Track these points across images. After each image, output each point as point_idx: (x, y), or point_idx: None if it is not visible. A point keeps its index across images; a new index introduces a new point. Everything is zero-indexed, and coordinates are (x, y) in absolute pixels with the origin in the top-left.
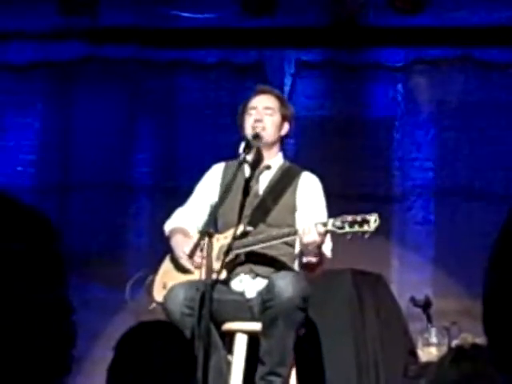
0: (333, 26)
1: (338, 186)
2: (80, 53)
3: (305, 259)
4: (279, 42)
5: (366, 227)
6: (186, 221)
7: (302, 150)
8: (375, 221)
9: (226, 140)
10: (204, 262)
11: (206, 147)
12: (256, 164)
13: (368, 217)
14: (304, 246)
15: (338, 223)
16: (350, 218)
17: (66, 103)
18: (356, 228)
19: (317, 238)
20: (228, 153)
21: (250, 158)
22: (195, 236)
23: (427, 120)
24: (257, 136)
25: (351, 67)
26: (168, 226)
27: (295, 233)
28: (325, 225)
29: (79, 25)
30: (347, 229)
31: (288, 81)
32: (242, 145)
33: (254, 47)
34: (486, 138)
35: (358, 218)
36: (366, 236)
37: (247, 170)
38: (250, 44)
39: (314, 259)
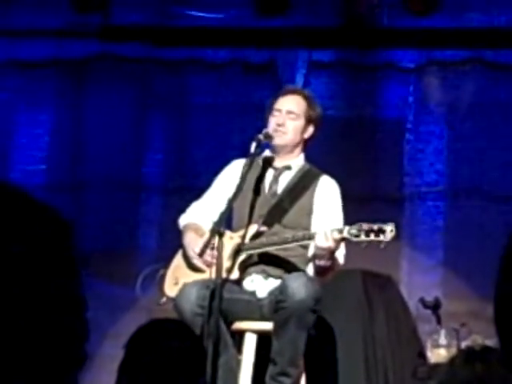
0: (345, 26)
1: (348, 186)
2: (92, 51)
3: (317, 262)
4: (292, 41)
5: (381, 237)
6: (201, 215)
7: (312, 150)
8: (391, 231)
9: (237, 139)
10: (215, 260)
11: (217, 146)
12: (270, 162)
13: (384, 226)
14: (318, 250)
15: (354, 231)
16: (366, 226)
17: (77, 101)
18: (372, 237)
19: (332, 244)
20: (240, 152)
21: (265, 155)
22: (208, 233)
23: (439, 121)
24: (267, 136)
25: (363, 68)
26: (182, 221)
27: (310, 237)
28: (341, 232)
29: (91, 23)
30: (363, 237)
31: (300, 80)
32: (254, 144)
33: (267, 47)
34: (497, 140)
35: (375, 227)
36: (382, 246)
37: (266, 169)
38: (263, 43)
39: (326, 264)
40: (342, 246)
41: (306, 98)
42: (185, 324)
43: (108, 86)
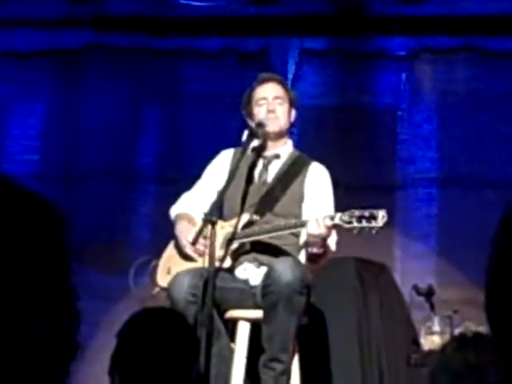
0: (338, 14)
1: (340, 175)
2: (86, 41)
3: (309, 250)
4: (284, 30)
5: (373, 223)
6: (192, 206)
7: (304, 139)
8: (383, 217)
9: (231, 128)
10: (207, 249)
11: (211, 136)
12: (260, 151)
13: (376, 212)
14: (310, 237)
15: (346, 218)
16: (357, 212)
17: (71, 91)
18: (364, 223)
19: (323, 231)
20: (234, 141)
21: (254, 145)
22: (200, 222)
23: (431, 109)
24: (260, 124)
25: (356, 56)
26: (174, 211)
27: (302, 224)
28: (332, 218)
29: (85, 13)
30: (355, 224)
31: (292, 69)
32: (246, 133)
33: (259, 35)
34: (490, 128)
35: (366, 214)
36: (374, 232)
37: (256, 159)
38: (256, 32)
39: (318, 251)
40: (334, 232)
41: (282, 82)
42: (176, 312)
43: (102, 76)
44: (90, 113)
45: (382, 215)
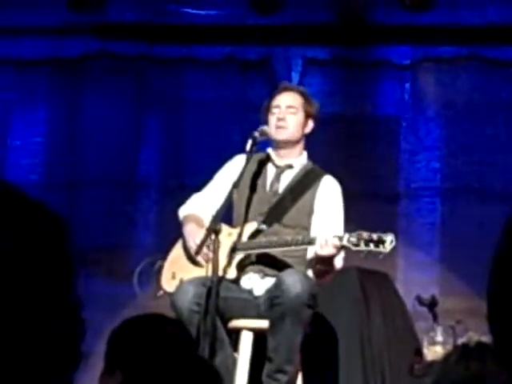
0: (341, 23)
1: (343, 184)
2: (88, 49)
3: (316, 267)
4: (287, 39)
5: (381, 248)
6: (201, 207)
7: (307, 148)
8: (391, 242)
9: (233, 136)
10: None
11: (213, 144)
12: (269, 159)
13: (384, 237)
14: (317, 255)
15: (354, 240)
16: (366, 235)
17: (73, 99)
18: (371, 247)
19: (331, 251)
20: (236, 149)
21: (266, 153)
22: (204, 231)
23: (434, 119)
24: (264, 133)
25: (359, 65)
26: (182, 212)
27: (309, 242)
28: (340, 239)
29: (87, 21)
30: (362, 246)
31: (295, 78)
32: (249, 142)
33: (262, 44)
34: (492, 138)
35: (375, 237)
36: (380, 257)
37: (264, 167)
38: (258, 41)
39: (325, 268)
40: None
41: (302, 93)
42: (179, 322)
43: (104, 84)
44: (91, 121)
45: (390, 240)
